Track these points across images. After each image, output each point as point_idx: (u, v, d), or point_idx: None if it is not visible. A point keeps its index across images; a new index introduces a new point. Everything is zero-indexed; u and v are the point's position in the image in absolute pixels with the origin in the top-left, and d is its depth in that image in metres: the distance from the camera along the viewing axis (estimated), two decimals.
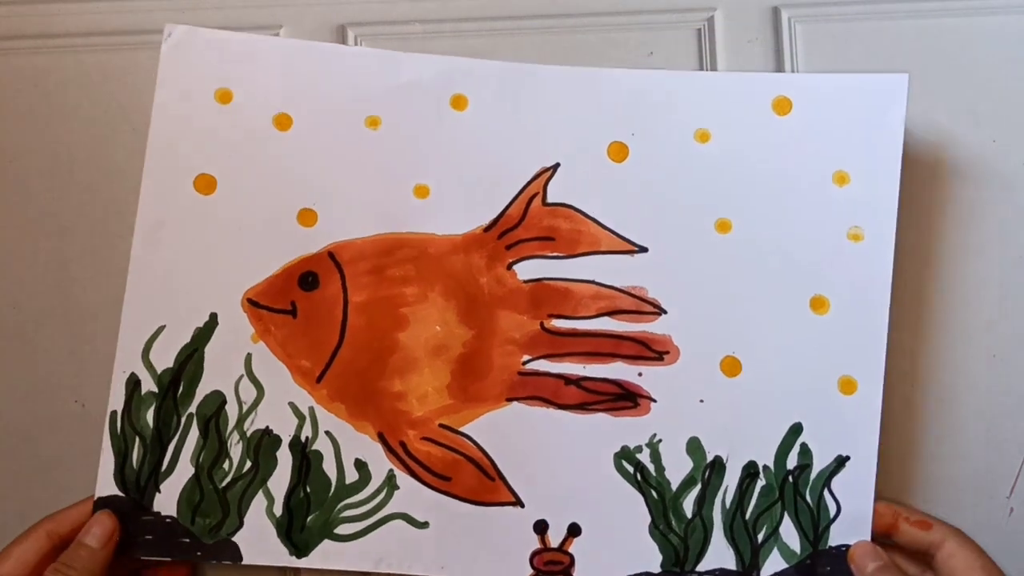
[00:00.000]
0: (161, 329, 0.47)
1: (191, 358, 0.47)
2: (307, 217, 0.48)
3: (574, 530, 0.46)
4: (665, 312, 0.48)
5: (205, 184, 0.47)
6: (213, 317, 0.47)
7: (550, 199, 0.48)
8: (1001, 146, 0.51)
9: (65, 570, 0.42)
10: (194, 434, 0.46)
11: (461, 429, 0.47)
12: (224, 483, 0.46)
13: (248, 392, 0.47)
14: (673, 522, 0.47)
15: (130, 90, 0.51)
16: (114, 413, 0.46)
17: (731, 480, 0.47)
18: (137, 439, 0.46)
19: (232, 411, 0.47)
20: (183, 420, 0.46)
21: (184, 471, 0.46)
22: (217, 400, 0.47)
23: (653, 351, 0.48)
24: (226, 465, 0.46)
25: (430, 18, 0.52)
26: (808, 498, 0.47)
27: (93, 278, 0.50)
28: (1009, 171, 0.51)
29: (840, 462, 0.47)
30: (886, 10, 0.51)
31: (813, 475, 0.47)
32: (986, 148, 0.51)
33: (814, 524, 0.47)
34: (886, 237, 0.47)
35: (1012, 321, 0.50)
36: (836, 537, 0.46)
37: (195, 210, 0.47)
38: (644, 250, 0.48)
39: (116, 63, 0.51)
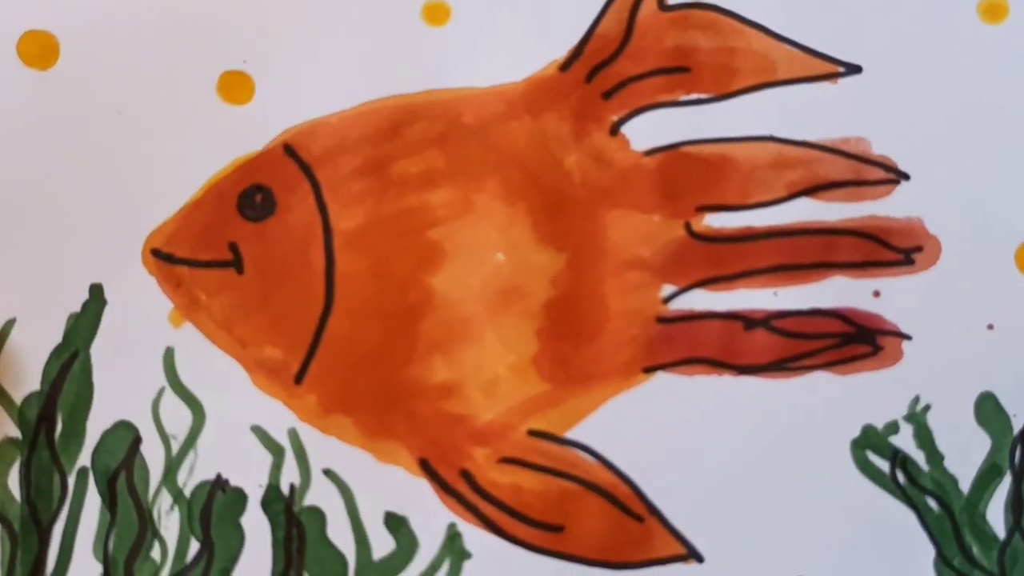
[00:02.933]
0: (10, 326, 0.26)
1: (68, 370, 0.26)
2: (236, 84, 0.27)
3: None
4: (907, 177, 0.27)
5: (38, 49, 0.26)
6: (97, 292, 0.27)
7: None
8: None
9: None
10: (93, 502, 0.26)
11: (569, 435, 0.27)
12: None
13: (177, 417, 0.26)
14: (975, 550, 0.26)
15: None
16: None
17: None
18: None
19: (154, 455, 0.26)
20: (72, 480, 0.26)
21: (84, 570, 0.26)
22: (126, 439, 0.26)
23: (895, 249, 0.27)
24: (156, 553, 0.26)
25: None
26: None
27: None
28: None
29: None
30: None
31: None
32: None
33: None
34: None
35: None
36: None
37: (28, 94, 0.26)
38: (856, 69, 0.27)
39: None
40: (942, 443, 0.27)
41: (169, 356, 0.27)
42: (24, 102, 0.26)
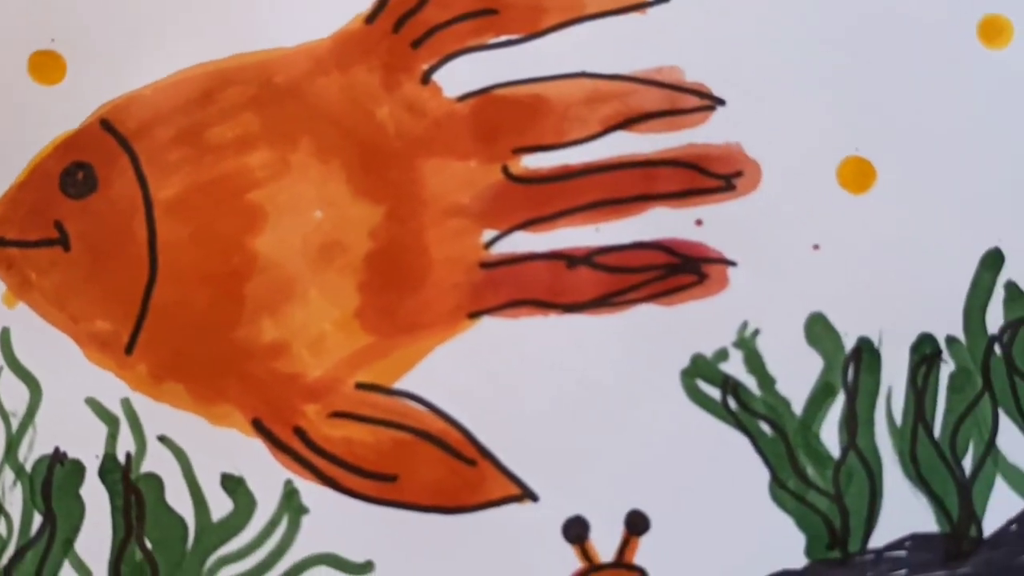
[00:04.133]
0: None
1: None
2: (47, 65, 0.27)
3: (636, 524, 0.27)
4: (723, 103, 0.27)
5: None
6: None
7: None
8: None
9: None
10: None
11: (397, 386, 0.27)
12: (4, 559, 0.27)
13: (15, 395, 0.27)
14: (809, 471, 0.27)
15: None
16: None
17: (895, 374, 0.27)
18: None
19: None
20: None
21: None
22: None
23: (715, 176, 0.27)
24: (2, 528, 0.27)
25: None
26: None
27: None
28: None
29: None
30: None
31: None
32: None
33: None
34: None
35: None
36: None
37: None
38: None
39: None
40: (773, 367, 0.27)
41: (5, 336, 0.27)
42: None
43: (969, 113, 0.27)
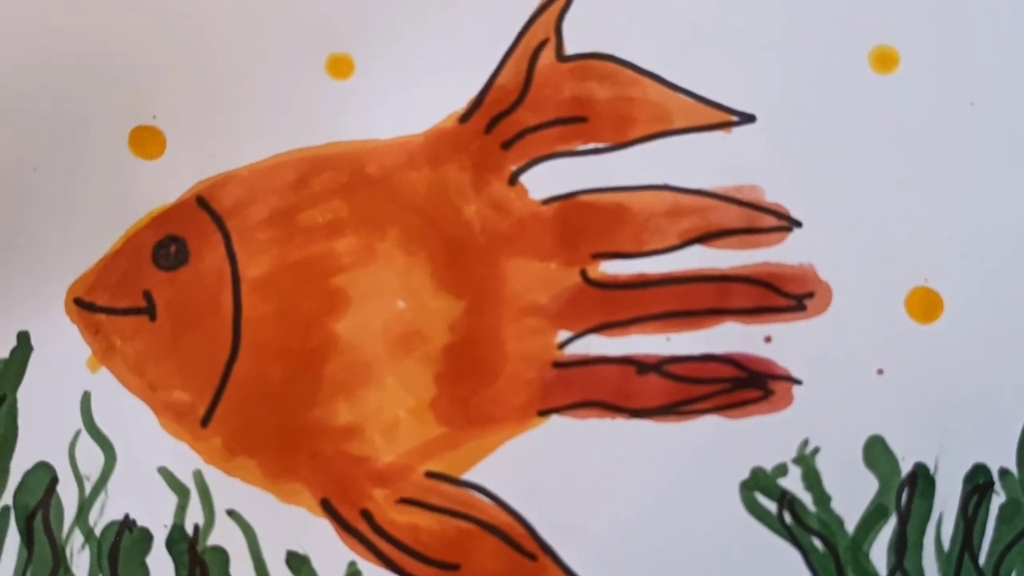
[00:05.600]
0: None
1: None
2: (148, 141, 0.28)
3: None
4: (799, 224, 0.28)
5: None
6: (23, 340, 0.28)
7: (570, 48, 0.28)
8: None
9: None
10: (13, 539, 0.28)
11: (465, 477, 0.28)
12: None
13: (91, 458, 0.28)
14: None
15: None
16: None
17: (948, 501, 0.28)
18: None
19: (69, 494, 0.28)
20: None
21: None
22: (44, 479, 0.28)
23: (787, 295, 0.28)
24: None
25: None
26: None
27: None
28: None
29: None
30: None
31: None
32: None
33: None
34: None
35: None
36: None
37: None
38: (750, 119, 0.28)
39: None
40: (830, 485, 0.28)
41: (86, 400, 0.28)
42: None
43: None
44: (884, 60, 0.28)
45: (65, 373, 0.29)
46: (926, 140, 0.28)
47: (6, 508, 0.28)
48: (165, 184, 0.29)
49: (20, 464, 0.29)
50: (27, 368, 0.29)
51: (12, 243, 0.28)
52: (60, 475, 0.28)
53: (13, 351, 0.29)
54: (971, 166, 0.28)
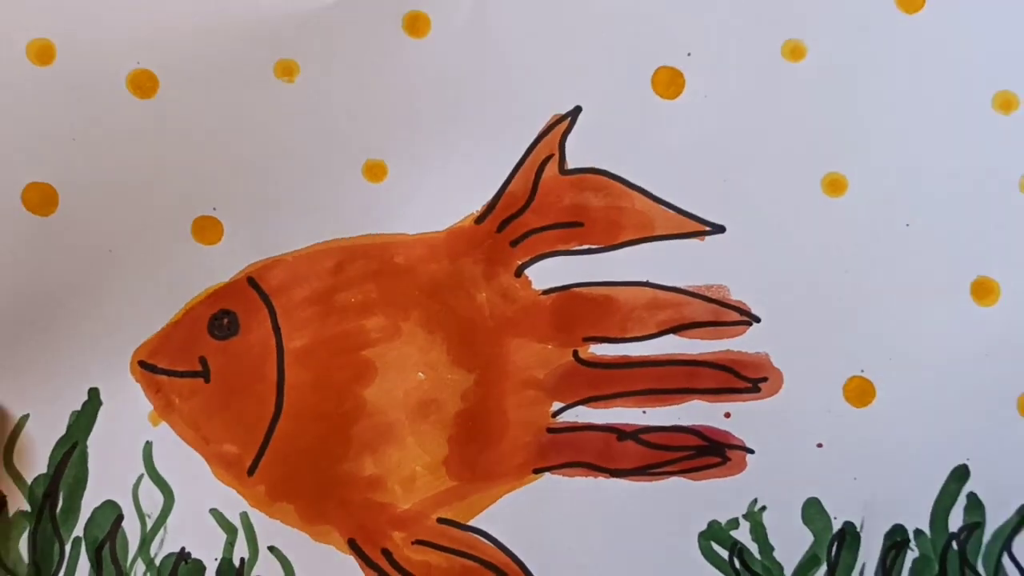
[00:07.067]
0: (25, 420, 0.33)
1: (70, 457, 0.33)
2: (208, 229, 0.33)
3: None
4: (758, 320, 0.34)
5: (40, 200, 0.33)
6: (93, 394, 0.33)
7: (571, 163, 0.33)
8: None
9: None
10: (84, 567, 0.33)
11: (471, 523, 0.33)
12: None
13: (152, 499, 0.33)
14: None
15: None
16: None
17: (870, 555, 0.34)
18: None
19: (133, 529, 0.33)
20: (68, 548, 0.33)
21: None
22: (111, 515, 0.33)
23: (745, 379, 0.34)
24: None
25: None
26: (981, 569, 0.34)
27: None
28: None
29: None
30: None
31: (987, 536, 0.34)
32: None
33: None
34: None
35: None
36: None
37: (35, 240, 0.33)
38: (720, 229, 0.33)
39: None
40: (773, 537, 0.34)
41: (148, 449, 0.33)
42: (28, 244, 0.33)
43: (959, 356, 0.34)
44: (834, 185, 0.34)
45: (130, 425, 0.34)
46: (866, 254, 0.34)
47: (77, 539, 0.33)
48: (221, 266, 0.34)
49: (90, 502, 0.34)
50: (96, 419, 0.34)
51: (88, 312, 0.33)
52: (125, 512, 0.33)
53: (84, 404, 0.34)
54: (904, 279, 0.34)
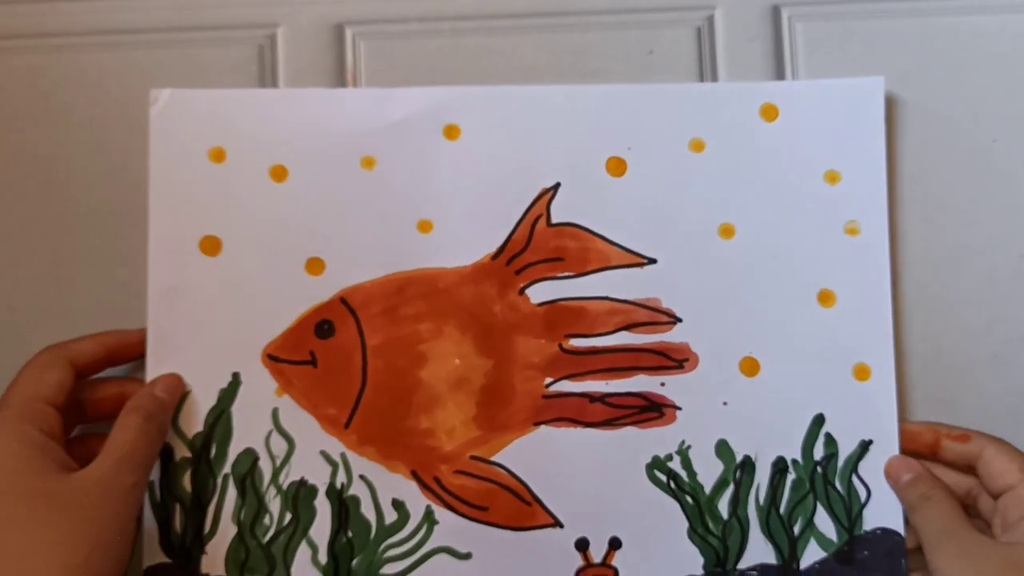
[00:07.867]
0: (187, 395, 0.49)
1: (219, 420, 0.50)
2: (315, 266, 0.50)
3: (615, 543, 0.49)
4: (680, 320, 0.50)
5: (211, 246, 0.50)
6: (236, 376, 0.50)
7: (554, 219, 0.51)
8: (1002, 145, 0.53)
9: (146, 412, 0.46)
10: (232, 494, 0.49)
11: (492, 459, 0.50)
12: (267, 538, 0.49)
13: (279, 446, 0.49)
14: (710, 524, 0.50)
15: (127, 89, 0.52)
16: (152, 483, 0.49)
17: (762, 477, 0.50)
18: (177, 505, 0.49)
19: (266, 467, 0.49)
20: (219, 481, 0.49)
21: (227, 531, 0.49)
22: (250, 458, 0.49)
23: (673, 360, 0.50)
24: (267, 520, 0.49)
25: (428, 16, 0.54)
26: (838, 486, 0.50)
27: (90, 280, 0.52)
28: (1009, 169, 0.53)
29: (864, 447, 0.50)
30: (885, 9, 0.54)
31: (840, 463, 0.50)
32: (986, 147, 0.53)
33: (847, 511, 0.50)
34: (880, 228, 0.51)
35: (1011, 324, 0.53)
36: (871, 521, 0.50)
37: (205, 273, 0.50)
38: (653, 261, 0.51)
39: (113, 62, 0.53)
40: (697, 466, 0.50)
41: (275, 412, 0.50)
42: (208, 278, 0.50)
43: (812, 341, 0.51)
44: (727, 231, 0.51)
45: (261, 397, 0.50)
46: (750, 276, 0.51)
47: (226, 475, 0.50)
48: (323, 290, 0.51)
49: (235, 450, 0.50)
50: (237, 393, 0.50)
51: (233, 321, 0.50)
52: (260, 456, 0.50)
53: (229, 383, 0.50)
54: (774, 291, 0.51)
